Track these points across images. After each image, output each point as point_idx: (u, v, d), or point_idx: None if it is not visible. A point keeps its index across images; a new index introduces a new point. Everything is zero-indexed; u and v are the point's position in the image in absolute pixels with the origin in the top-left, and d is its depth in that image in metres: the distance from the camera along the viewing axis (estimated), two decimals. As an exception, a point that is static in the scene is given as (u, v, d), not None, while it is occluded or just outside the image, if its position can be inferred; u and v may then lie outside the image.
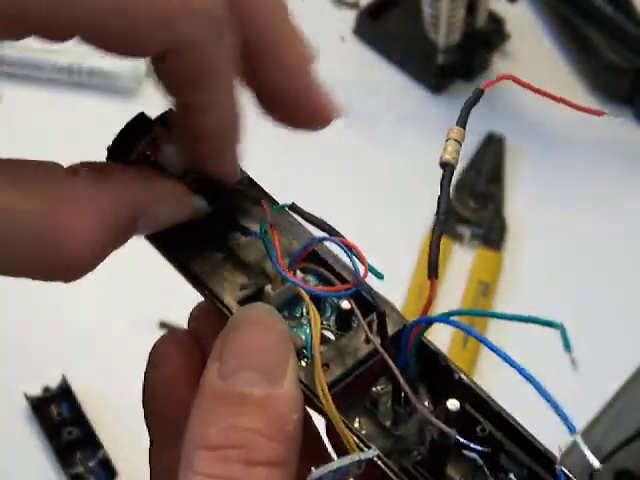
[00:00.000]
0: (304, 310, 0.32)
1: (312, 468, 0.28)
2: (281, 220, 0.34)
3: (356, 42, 0.86)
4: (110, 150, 0.33)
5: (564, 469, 0.28)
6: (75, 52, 0.82)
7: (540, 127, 0.82)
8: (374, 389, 0.32)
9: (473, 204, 0.76)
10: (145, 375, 0.33)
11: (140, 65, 0.82)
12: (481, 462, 0.30)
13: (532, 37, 0.88)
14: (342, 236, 0.32)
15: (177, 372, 0.33)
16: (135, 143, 0.32)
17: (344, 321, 0.32)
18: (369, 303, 0.31)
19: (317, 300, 0.32)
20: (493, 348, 0.27)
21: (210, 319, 0.33)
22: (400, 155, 0.79)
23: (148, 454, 0.34)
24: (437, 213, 0.29)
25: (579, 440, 0.25)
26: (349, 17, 0.86)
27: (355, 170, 0.79)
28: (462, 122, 0.30)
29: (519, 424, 0.31)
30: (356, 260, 0.31)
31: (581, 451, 0.25)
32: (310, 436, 0.33)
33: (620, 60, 0.82)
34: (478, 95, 0.30)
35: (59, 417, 0.65)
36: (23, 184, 0.27)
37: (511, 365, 0.27)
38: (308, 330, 0.32)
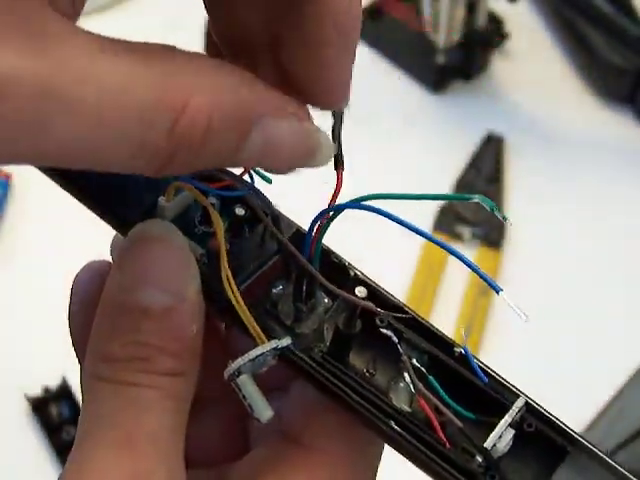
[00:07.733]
0: (197, 220, 0.32)
1: (229, 361, 0.29)
2: None
3: (356, 42, 0.86)
4: None
5: (468, 348, 0.29)
6: None
7: (540, 127, 0.82)
8: (274, 290, 0.32)
9: (473, 204, 0.76)
10: (68, 304, 0.34)
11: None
12: (396, 340, 0.30)
13: (532, 37, 0.88)
14: None
15: (94, 300, 0.32)
16: None
17: (236, 228, 0.33)
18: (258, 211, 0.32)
19: (206, 212, 0.32)
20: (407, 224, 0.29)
21: None
22: (400, 154, 0.79)
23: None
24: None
25: (505, 297, 0.27)
26: (349, 17, 0.86)
27: (354, 169, 0.79)
28: None
29: (418, 315, 0.31)
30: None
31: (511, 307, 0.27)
32: (214, 343, 0.33)
33: (620, 60, 0.82)
34: None
35: (59, 417, 0.65)
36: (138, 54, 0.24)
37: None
38: (204, 240, 0.32)
